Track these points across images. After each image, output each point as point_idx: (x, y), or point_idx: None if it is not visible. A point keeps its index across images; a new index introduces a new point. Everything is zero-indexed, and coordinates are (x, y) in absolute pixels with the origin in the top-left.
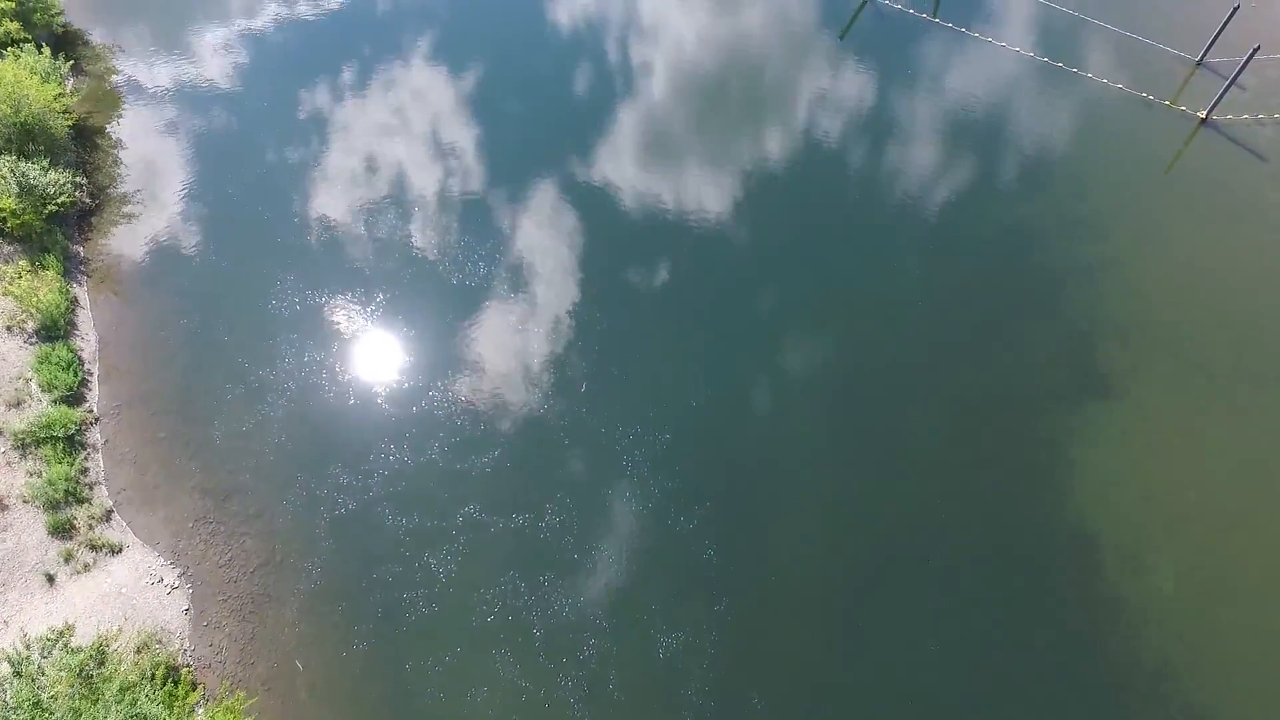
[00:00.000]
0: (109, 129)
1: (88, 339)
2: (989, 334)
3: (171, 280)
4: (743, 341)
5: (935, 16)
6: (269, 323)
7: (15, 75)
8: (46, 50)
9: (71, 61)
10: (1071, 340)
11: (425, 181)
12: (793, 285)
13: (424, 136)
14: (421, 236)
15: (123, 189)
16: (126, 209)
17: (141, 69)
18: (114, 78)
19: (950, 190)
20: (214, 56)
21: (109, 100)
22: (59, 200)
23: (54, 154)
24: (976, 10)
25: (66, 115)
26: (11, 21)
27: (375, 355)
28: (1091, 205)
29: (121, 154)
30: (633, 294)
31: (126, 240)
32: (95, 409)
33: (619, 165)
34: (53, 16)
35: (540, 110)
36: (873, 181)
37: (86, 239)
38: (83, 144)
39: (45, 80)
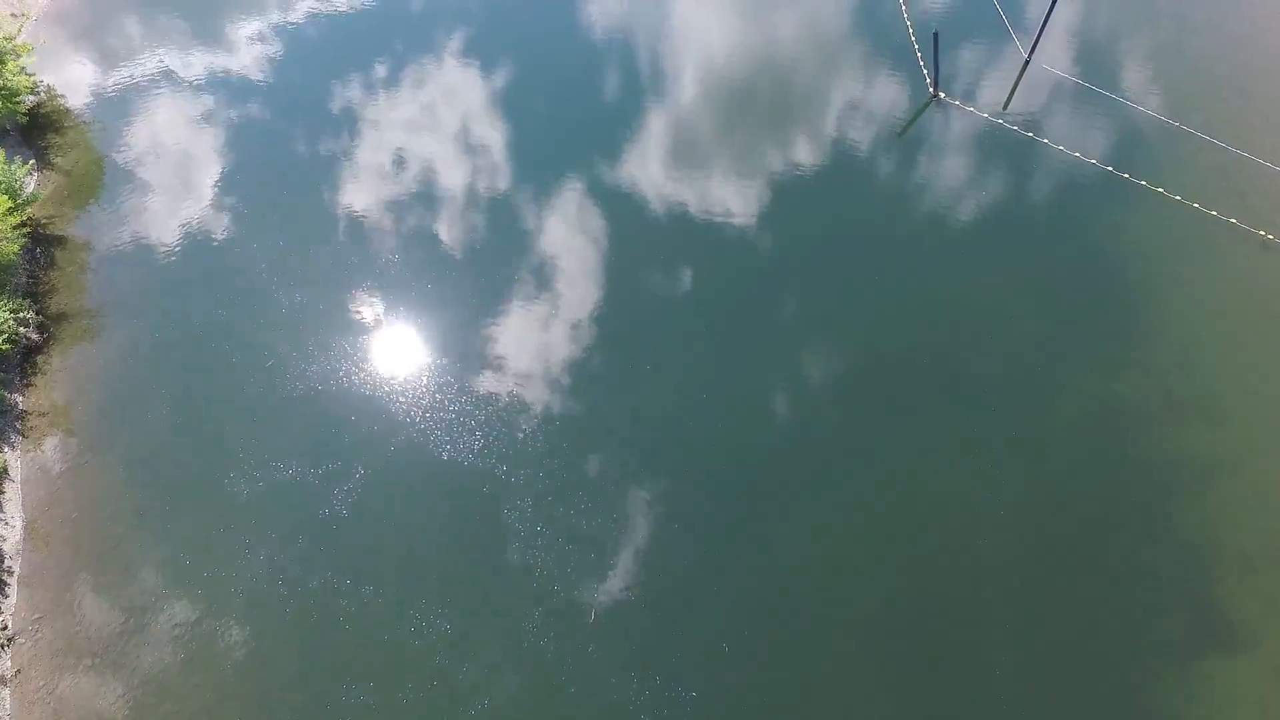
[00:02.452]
0: (72, 234)
1: (12, 524)
2: (1083, 562)
3: (121, 441)
4: (784, 566)
5: (1004, 114)
6: (221, 506)
7: None
8: (0, 153)
9: (31, 162)
10: (1186, 569)
11: (408, 305)
12: (834, 502)
13: (403, 217)
14: (400, 398)
15: (80, 315)
16: (81, 342)
17: (117, 154)
18: (86, 166)
19: (1025, 356)
20: (200, 138)
21: (78, 197)
22: None
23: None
24: (1053, 112)
25: (21, 230)
26: None
27: (340, 560)
28: (1201, 382)
29: (86, 264)
30: (663, 470)
31: (76, 386)
32: (10, 623)
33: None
34: (16, 105)
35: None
36: (931, 346)
37: (29, 385)
38: (39, 258)
39: None
